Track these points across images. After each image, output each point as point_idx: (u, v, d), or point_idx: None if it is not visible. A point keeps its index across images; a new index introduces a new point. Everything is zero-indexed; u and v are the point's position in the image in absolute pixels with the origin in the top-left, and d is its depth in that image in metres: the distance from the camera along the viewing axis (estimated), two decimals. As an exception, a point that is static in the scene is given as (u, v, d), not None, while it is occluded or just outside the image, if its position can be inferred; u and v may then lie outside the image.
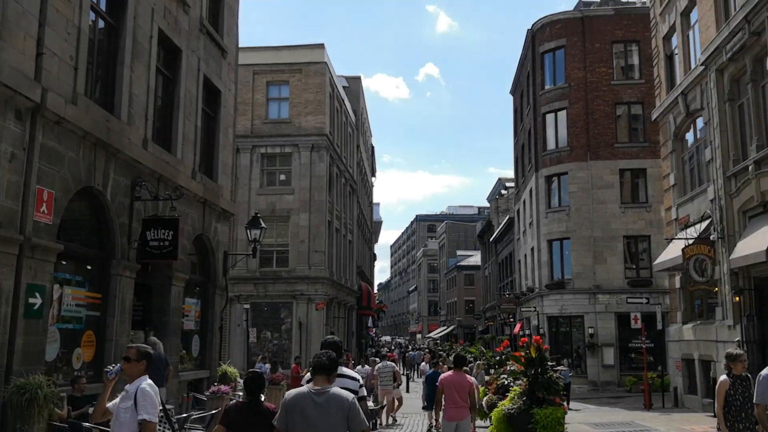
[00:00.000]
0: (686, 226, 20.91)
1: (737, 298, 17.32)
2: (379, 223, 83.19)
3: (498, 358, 19.34)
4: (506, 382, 15.30)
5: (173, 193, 13.35)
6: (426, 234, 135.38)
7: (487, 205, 72.56)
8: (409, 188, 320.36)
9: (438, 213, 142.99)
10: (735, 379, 8.38)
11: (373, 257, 69.50)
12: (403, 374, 26.96)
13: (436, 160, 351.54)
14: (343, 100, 40.12)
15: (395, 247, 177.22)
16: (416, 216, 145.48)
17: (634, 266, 32.36)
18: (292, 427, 5.20)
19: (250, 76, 34.29)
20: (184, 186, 15.24)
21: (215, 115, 18.23)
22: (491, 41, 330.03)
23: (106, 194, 11.94)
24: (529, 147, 37.45)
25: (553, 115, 34.23)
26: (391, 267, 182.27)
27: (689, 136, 22.32)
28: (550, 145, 34.26)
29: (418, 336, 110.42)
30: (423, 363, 26.15)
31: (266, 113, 34.48)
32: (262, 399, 6.34)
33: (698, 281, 18.20)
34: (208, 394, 14.40)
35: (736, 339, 16.99)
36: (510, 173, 54.87)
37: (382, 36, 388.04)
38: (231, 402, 7.70)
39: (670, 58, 23.52)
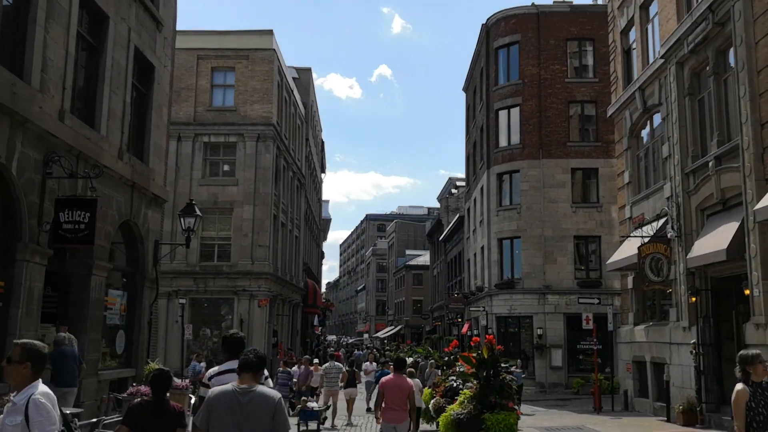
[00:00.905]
0: (640, 225, 20.32)
1: (693, 299, 16.74)
2: (328, 221, 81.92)
3: (446, 358, 18.36)
4: (455, 385, 14.35)
5: (92, 171, 11.96)
6: (376, 233, 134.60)
7: (438, 206, 72.00)
8: (360, 188, 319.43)
9: (388, 213, 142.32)
10: (755, 387, 6.56)
11: (321, 255, 68.20)
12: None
13: (388, 161, 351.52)
14: (292, 91, 38.80)
15: (344, 246, 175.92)
16: (366, 215, 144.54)
17: (584, 267, 31.94)
18: (213, 426, 5.02)
19: (194, 61, 32.80)
20: (108, 166, 13.84)
21: (148, 92, 16.82)
22: (445, 44, 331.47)
23: (10, 169, 10.53)
24: (481, 144, 36.76)
25: (506, 111, 33.59)
26: (340, 266, 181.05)
27: (645, 133, 21.79)
28: (503, 142, 33.61)
29: (365, 335, 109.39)
30: (366, 362, 25.07)
31: (210, 100, 32.96)
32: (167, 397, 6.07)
33: (654, 281, 17.58)
34: (125, 395, 13.04)
35: (692, 341, 16.43)
36: (460, 174, 54.43)
37: (336, 35, 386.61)
38: (135, 401, 6.98)
39: (627, 53, 22.99)
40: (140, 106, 16.62)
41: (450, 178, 63.86)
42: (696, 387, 16.25)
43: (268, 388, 5.22)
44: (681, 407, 16.61)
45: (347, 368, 23.74)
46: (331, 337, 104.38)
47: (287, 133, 37.23)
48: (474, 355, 12.06)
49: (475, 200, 38.48)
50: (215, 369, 6.66)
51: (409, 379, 10.43)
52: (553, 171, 31.84)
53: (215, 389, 5.22)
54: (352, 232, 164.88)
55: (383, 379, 10.35)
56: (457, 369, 14.93)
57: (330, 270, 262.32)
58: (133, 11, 15.43)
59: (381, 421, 9.91)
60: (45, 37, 11.58)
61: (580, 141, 32.41)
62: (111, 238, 14.47)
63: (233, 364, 5.97)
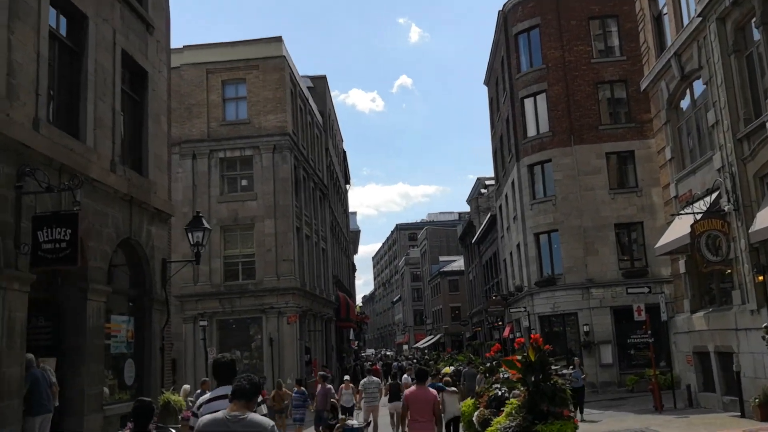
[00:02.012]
0: (689, 203, 18.54)
1: (760, 278, 14.92)
2: (357, 233, 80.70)
3: (488, 364, 16.72)
4: (500, 393, 12.73)
5: (71, 182, 10.65)
6: (407, 243, 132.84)
7: (468, 209, 70.19)
8: (389, 200, 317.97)
9: (418, 221, 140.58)
10: None
11: (353, 267, 66.84)
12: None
13: (415, 170, 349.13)
14: (307, 99, 37.58)
15: (377, 258, 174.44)
16: (396, 225, 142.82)
17: (626, 257, 30.03)
18: None
19: (204, 76, 31.76)
20: (98, 179, 12.61)
21: (142, 99, 15.58)
22: (463, 48, 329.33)
23: (-26, 184, 9.28)
24: (508, 136, 35.09)
25: (531, 99, 31.90)
26: (375, 278, 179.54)
27: (685, 104, 20.04)
28: (531, 131, 31.91)
29: (405, 347, 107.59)
30: (405, 376, 23.50)
31: (223, 114, 31.83)
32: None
33: (712, 261, 15.79)
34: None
35: (764, 325, 14.56)
36: (489, 175, 52.46)
37: (354, 50, 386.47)
38: None
39: (657, 20, 21.26)
40: (135, 115, 15.40)
41: (479, 179, 62.05)
42: (773, 376, 14.41)
43: (260, 416, 5.02)
44: (757, 400, 14.80)
45: (391, 381, 22.27)
46: (370, 351, 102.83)
47: (305, 143, 35.96)
48: (519, 358, 10.46)
49: (506, 196, 36.77)
50: (205, 396, 6.16)
51: (432, 390, 10.29)
52: (586, 157, 30.03)
53: (205, 417, 5.08)
54: (384, 244, 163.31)
55: (406, 392, 10.20)
56: (501, 375, 13.30)
57: (365, 284, 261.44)
58: (117, 12, 14.20)
59: None
60: (9, 38, 10.34)
61: (612, 123, 30.58)
62: (108, 258, 13.19)
63: (224, 390, 5.73)
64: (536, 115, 31.70)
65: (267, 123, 31.25)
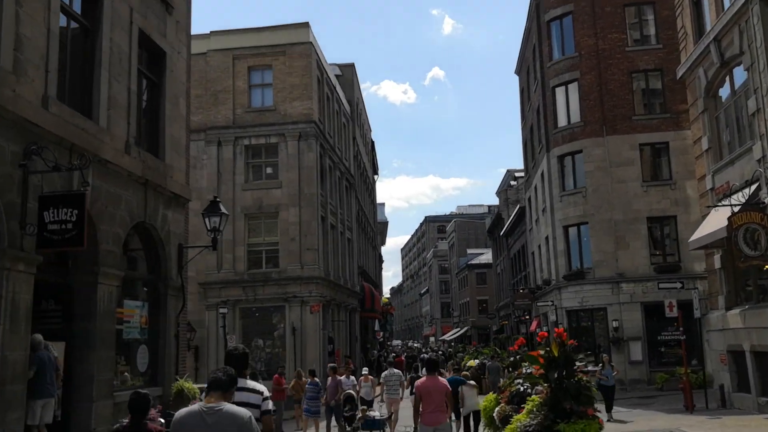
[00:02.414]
0: (726, 195, 17.73)
1: (801, 274, 14.13)
2: (385, 224, 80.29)
3: (512, 359, 16.16)
4: (522, 389, 12.20)
5: (80, 162, 10.32)
6: (436, 235, 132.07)
7: (497, 202, 69.30)
8: (419, 192, 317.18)
9: (447, 213, 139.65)
10: None
11: (380, 259, 66.44)
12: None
13: (446, 163, 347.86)
14: (334, 87, 37.14)
15: (406, 250, 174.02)
16: (425, 217, 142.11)
17: (659, 252, 29.14)
18: None
19: (230, 62, 31.47)
20: (111, 161, 12.29)
21: (160, 81, 15.23)
22: (497, 41, 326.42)
23: (-23, 162, 8.98)
24: (538, 126, 34.30)
25: (563, 88, 31.08)
26: (403, 270, 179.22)
27: (724, 92, 19.18)
28: (562, 121, 31.10)
29: (432, 339, 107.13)
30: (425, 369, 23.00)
31: (249, 101, 31.53)
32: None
33: (750, 256, 15.01)
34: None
35: (803, 323, 13.82)
36: (520, 167, 51.55)
37: (387, 42, 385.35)
38: (115, 426, 7.09)
39: (696, 4, 20.37)
40: (152, 96, 15.07)
41: (508, 171, 61.13)
42: (813, 378, 13.64)
43: (237, 407, 4.96)
44: (794, 402, 14.05)
45: (413, 374, 21.85)
46: (396, 342, 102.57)
47: (331, 132, 35.55)
48: (542, 353, 9.91)
49: (535, 188, 36.01)
50: None
51: (442, 379, 10.22)
52: (619, 148, 29.17)
53: (182, 410, 5.06)
54: (413, 236, 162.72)
55: (417, 382, 10.07)
56: (524, 370, 12.76)
57: (394, 275, 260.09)
58: (134, -11, 13.85)
59: (419, 424, 9.72)
60: (17, 11, 10.02)
61: (646, 114, 29.66)
62: (121, 241, 12.87)
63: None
64: (567, 104, 30.88)
65: (293, 110, 30.88)
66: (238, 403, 5.42)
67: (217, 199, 15.82)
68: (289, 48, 31.31)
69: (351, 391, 18.13)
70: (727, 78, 18.60)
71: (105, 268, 12.08)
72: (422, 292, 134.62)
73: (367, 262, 48.89)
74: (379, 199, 67.33)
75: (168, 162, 15.12)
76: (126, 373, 13.58)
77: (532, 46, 34.74)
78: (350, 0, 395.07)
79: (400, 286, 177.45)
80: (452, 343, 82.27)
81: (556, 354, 9.74)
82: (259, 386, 5.98)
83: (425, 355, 55.98)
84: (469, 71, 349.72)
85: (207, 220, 15.50)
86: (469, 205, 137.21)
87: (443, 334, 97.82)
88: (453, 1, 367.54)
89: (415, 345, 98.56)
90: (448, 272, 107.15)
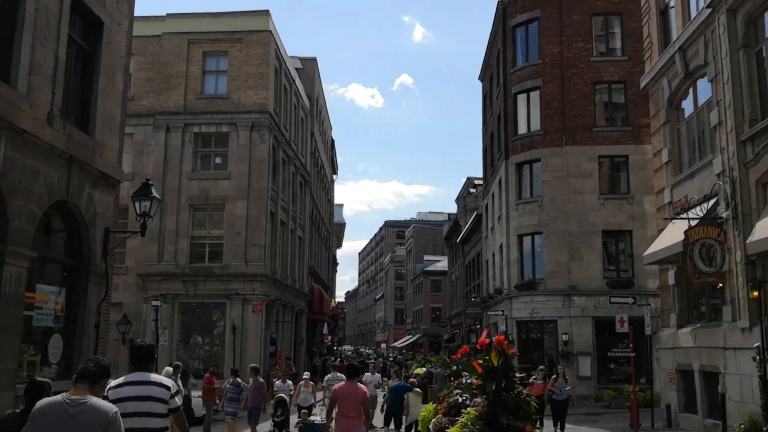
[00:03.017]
0: (684, 209, 17.25)
1: (755, 294, 13.63)
2: (342, 225, 79.23)
3: (454, 368, 15.38)
4: (461, 400, 11.38)
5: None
6: (395, 241, 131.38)
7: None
8: (382, 197, 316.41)
9: (407, 219, 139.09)
10: None
11: (334, 261, 65.38)
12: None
13: (410, 169, 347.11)
14: (293, 80, 36.11)
15: (363, 254, 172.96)
16: (385, 222, 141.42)
17: (612, 266, 28.74)
18: None
19: (185, 46, 30.25)
20: (29, 131, 11.13)
21: (95, 51, 14.07)
22: (467, 52, 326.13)
23: None
24: (498, 133, 33.75)
25: (525, 95, 30.56)
26: (359, 274, 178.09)
27: (687, 104, 18.76)
28: (522, 128, 30.57)
29: (383, 345, 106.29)
30: (367, 374, 22.13)
31: (202, 87, 30.33)
32: None
33: (705, 272, 14.50)
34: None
35: (755, 345, 13.29)
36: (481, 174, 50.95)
37: (358, 46, 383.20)
38: (7, 412, 6.35)
39: (663, 13, 19.97)
40: (85, 67, 13.91)
41: (468, 178, 60.63)
42: (762, 402, 13.09)
43: (103, 401, 4.76)
44: (741, 426, 13.49)
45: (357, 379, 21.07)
46: (347, 347, 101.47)
47: (287, 125, 34.51)
48: (480, 362, 9.09)
49: (492, 195, 35.46)
50: (119, 380, 5.76)
51: (362, 386, 10.18)
52: (578, 159, 28.73)
53: (43, 400, 4.81)
54: (371, 240, 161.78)
55: (336, 386, 10.14)
56: (464, 380, 11.96)
57: (352, 280, 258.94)
58: (67, -52, 12.72)
59: (333, 428, 9.81)
60: None
61: (607, 126, 29.29)
62: (36, 220, 11.71)
63: (138, 376, 5.64)
64: (528, 112, 30.37)
65: (246, 99, 29.78)
66: (142, 397, 5.45)
67: (149, 182, 14.69)
68: (246, 35, 30.22)
69: (283, 395, 17.16)
70: (691, 90, 18.17)
71: (14, 247, 10.91)
72: (377, 297, 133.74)
73: (319, 263, 47.84)
74: (340, 201, 66.35)
75: (98, 139, 13.97)
76: (37, 364, 12.43)
77: (497, 51, 34.22)
78: (322, 1, 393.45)
79: (356, 290, 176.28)
80: (403, 350, 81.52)
81: (495, 364, 8.92)
82: (166, 380, 5.77)
83: (372, 361, 55.28)
84: (438, 79, 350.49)
85: (137, 204, 14.41)
86: (430, 212, 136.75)
87: (396, 341, 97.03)
88: (425, 10, 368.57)
89: (367, 351, 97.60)
90: (404, 278, 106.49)
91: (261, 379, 14.22)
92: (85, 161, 13.14)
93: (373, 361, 33.54)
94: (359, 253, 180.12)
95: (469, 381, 11.27)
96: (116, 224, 15.26)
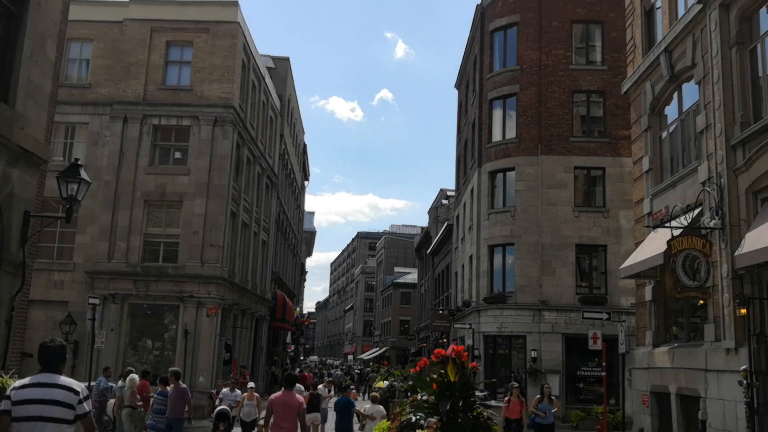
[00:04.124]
0: (664, 221, 16.07)
1: (743, 311, 12.43)
2: (312, 233, 77.67)
3: (410, 382, 13.97)
4: (414, 419, 9.99)
5: None
6: (367, 252, 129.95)
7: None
8: (357, 210, 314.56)
9: (380, 231, 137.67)
10: None
11: (302, 269, 63.72)
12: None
13: (387, 183, 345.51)
14: (263, 77, 34.66)
15: (335, 265, 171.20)
16: (357, 233, 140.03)
17: (585, 282, 27.63)
18: None
19: (147, 34, 28.71)
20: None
21: (21, 13, 12.53)
22: (446, 70, 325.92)
23: None
24: (472, 141, 32.58)
25: (501, 102, 29.48)
26: (330, 285, 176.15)
27: (670, 110, 17.65)
28: (497, 136, 29.43)
29: (350, 357, 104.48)
30: (321, 386, 20.67)
31: (163, 78, 28.74)
32: None
33: (688, 286, 13.28)
34: None
35: (741, 368, 12.06)
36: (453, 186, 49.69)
37: (340, 60, 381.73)
38: None
39: (648, 14, 18.90)
40: (8, 28, 12.39)
41: (441, 189, 59.64)
42: (748, 430, 11.88)
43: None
44: (723, 457, 12.28)
45: (312, 391, 19.75)
46: (314, 358, 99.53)
47: (254, 123, 33.02)
48: (435, 376, 7.72)
49: (464, 205, 34.24)
50: (25, 380, 5.44)
51: (298, 396, 10.00)
52: (553, 169, 27.65)
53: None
54: (343, 251, 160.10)
55: (272, 396, 10.00)
56: (418, 397, 10.57)
57: (324, 291, 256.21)
58: None
59: None
60: None
61: (585, 136, 28.29)
62: (-66, 196, 10.18)
63: (45, 377, 5.33)
64: (504, 119, 29.28)
65: (210, 92, 28.27)
66: (50, 401, 5.14)
67: (79, 163, 13.15)
68: (213, 26, 28.74)
69: (225, 408, 15.61)
70: (675, 94, 17.07)
71: None
72: (347, 308, 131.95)
73: (285, 270, 46.22)
74: (312, 210, 64.67)
75: (19, 110, 12.40)
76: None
77: (474, 57, 33.12)
78: (306, 14, 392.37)
79: (327, 301, 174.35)
80: (370, 363, 79.91)
81: (452, 379, 7.57)
82: (75, 384, 5.46)
83: (339, 372, 53.61)
84: (417, 96, 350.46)
85: (64, 186, 12.86)
86: (403, 225, 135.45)
87: (363, 353, 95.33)
88: (407, 27, 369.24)
89: (336, 362, 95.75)
90: (374, 290, 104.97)
91: (183, 385, 12.54)
92: (3, 135, 11.59)
93: (330, 377, 31.99)
94: (331, 264, 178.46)
95: (423, 398, 9.90)
96: (41, 209, 13.68)
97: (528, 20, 29.06)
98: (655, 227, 15.82)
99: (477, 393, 7.74)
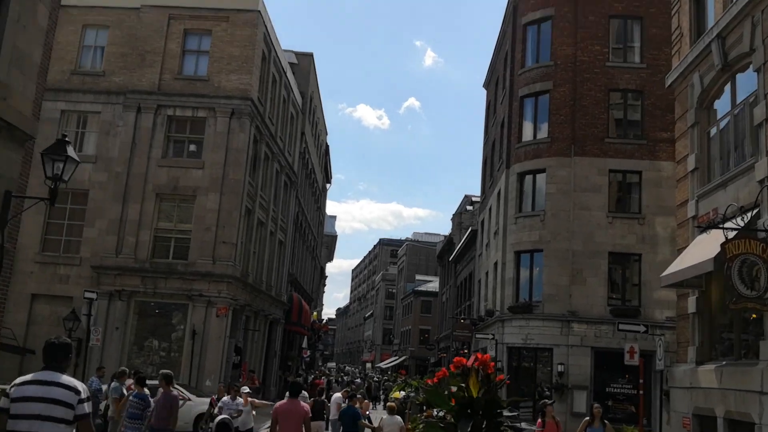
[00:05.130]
0: (710, 226, 14.47)
1: (810, 326, 10.83)
2: (333, 238, 76.45)
3: (424, 396, 12.49)
4: (428, 439, 8.55)
5: None
6: (389, 259, 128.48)
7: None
8: (380, 218, 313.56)
9: (403, 239, 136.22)
10: None
11: (321, 272, 62.48)
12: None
13: (411, 192, 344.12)
14: (284, 71, 33.48)
15: (357, 272, 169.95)
16: (380, 240, 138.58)
17: (616, 294, 25.92)
18: None
19: (165, 21, 27.73)
20: None
21: (7, -28, 11.40)
22: (475, 79, 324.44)
23: None
24: (500, 141, 31.08)
25: (532, 99, 27.95)
26: (351, 292, 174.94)
27: (720, 104, 16.04)
28: (527, 135, 27.92)
29: (368, 365, 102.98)
30: (337, 395, 19.28)
31: (180, 67, 27.68)
32: None
33: (746, 296, 11.68)
34: None
35: (807, 390, 10.45)
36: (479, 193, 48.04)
37: (369, 67, 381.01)
38: None
39: (697, 1, 17.33)
40: (-8, -11, 11.23)
41: (466, 195, 58.05)
42: (815, 464, 10.27)
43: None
44: (782, 493, 10.67)
45: (317, 398, 18.43)
46: (331, 365, 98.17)
47: (273, 118, 31.84)
48: (454, 389, 6.30)
49: (490, 209, 32.70)
50: (26, 377, 5.31)
51: (304, 404, 9.81)
52: (586, 171, 26.05)
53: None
54: (365, 257, 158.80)
55: (277, 404, 9.71)
56: (434, 413, 9.14)
57: (345, 298, 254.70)
58: None
59: None
60: None
61: (621, 138, 26.63)
62: None
63: (46, 375, 5.23)
64: (535, 117, 27.75)
65: (228, 83, 27.13)
66: (49, 400, 5.10)
67: (67, 139, 11.92)
68: (233, 14, 27.64)
69: (226, 416, 14.23)
70: (728, 86, 15.48)
71: None
72: (366, 315, 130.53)
73: (303, 273, 44.97)
74: (335, 215, 63.57)
75: (2, 79, 11.25)
76: None
77: (505, 53, 31.66)
78: (336, 22, 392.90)
79: (347, 307, 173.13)
80: (388, 372, 78.39)
81: (475, 394, 6.15)
82: (77, 383, 5.37)
83: (358, 380, 52.22)
84: (445, 105, 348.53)
85: (50, 164, 11.65)
86: (426, 233, 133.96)
87: (382, 361, 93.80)
88: (437, 36, 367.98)
89: (355, 370, 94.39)
90: (395, 298, 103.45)
91: (174, 392, 11.17)
92: (-22, 102, 10.40)
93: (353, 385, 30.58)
94: (352, 270, 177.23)
95: (439, 415, 8.46)
96: (26, 190, 12.49)
97: (563, 14, 27.54)
98: (706, 228, 14.19)
99: (505, 413, 6.26)
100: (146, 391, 11.61)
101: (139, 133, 26.82)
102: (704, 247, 14.02)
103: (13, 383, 5.37)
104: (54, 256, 26.16)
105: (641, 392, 17.01)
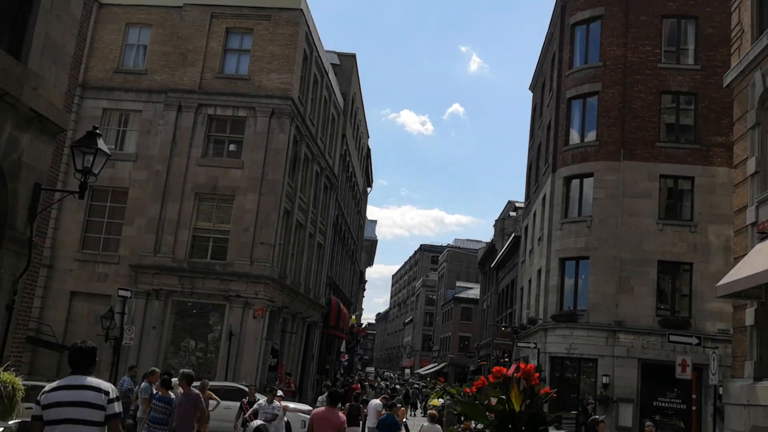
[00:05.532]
0: (773, 233, 13.56)
1: None
2: (374, 242, 76.00)
3: (459, 408, 11.80)
4: (464, 453, 7.94)
5: None
6: (429, 265, 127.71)
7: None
8: (422, 224, 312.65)
9: (444, 245, 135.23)
10: None
11: (361, 276, 62.08)
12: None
13: (453, 199, 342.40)
14: (326, 72, 33.15)
15: (397, 277, 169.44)
16: (421, 245, 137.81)
17: (664, 305, 24.86)
18: None
19: (207, 20, 27.60)
20: None
21: (41, -40, 11.16)
22: (520, 85, 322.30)
23: None
24: (547, 144, 30.23)
25: (580, 101, 27.09)
26: (391, 297, 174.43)
27: (784, 104, 15.09)
28: (574, 138, 27.05)
29: (407, 371, 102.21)
30: (377, 401, 18.71)
31: (221, 66, 27.51)
32: None
33: (813, 308, 10.79)
34: None
35: None
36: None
37: (413, 73, 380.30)
38: None
39: (760, -6, 16.37)
40: (26, -22, 11.00)
41: (509, 201, 57.05)
42: None
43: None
44: None
45: (353, 402, 18.00)
46: (370, 370, 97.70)
47: (314, 119, 31.51)
48: (493, 401, 5.68)
49: (534, 214, 31.84)
50: (54, 383, 5.46)
51: (341, 414, 9.60)
52: (636, 176, 25.08)
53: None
54: (406, 263, 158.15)
55: (314, 411, 9.84)
56: (472, 425, 8.51)
57: (386, 303, 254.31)
58: None
59: None
60: None
61: (672, 142, 25.58)
62: None
63: (74, 379, 5.34)
64: (583, 120, 26.87)
65: (268, 82, 26.85)
66: (79, 403, 5.17)
67: (97, 132, 11.63)
68: (275, 13, 27.37)
69: (262, 423, 13.72)
70: (793, 84, 14.54)
71: None
72: (406, 321, 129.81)
73: (341, 276, 44.59)
74: (375, 219, 63.12)
75: (33, 68, 10.97)
76: None
77: (552, 54, 30.82)
78: (379, 27, 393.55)
79: (387, 313, 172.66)
80: (427, 378, 77.61)
81: (516, 407, 5.52)
82: (104, 384, 5.43)
83: (398, 386, 51.57)
84: (489, 111, 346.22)
85: (78, 157, 11.37)
86: (467, 240, 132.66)
87: (421, 367, 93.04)
88: (482, 41, 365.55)
89: (394, 375, 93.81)
90: (435, 304, 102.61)
91: (196, 392, 10.64)
92: (8, 92, 10.13)
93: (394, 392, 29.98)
94: (393, 276, 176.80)
95: (478, 427, 7.84)
96: (52, 182, 12.24)
97: (613, 13, 26.64)
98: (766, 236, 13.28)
99: (551, 430, 5.62)
100: (171, 394, 11.14)
101: (180, 132, 26.73)
102: (765, 256, 13.11)
103: (42, 391, 5.47)
104: (93, 254, 26.20)
105: (694, 407, 16.06)
